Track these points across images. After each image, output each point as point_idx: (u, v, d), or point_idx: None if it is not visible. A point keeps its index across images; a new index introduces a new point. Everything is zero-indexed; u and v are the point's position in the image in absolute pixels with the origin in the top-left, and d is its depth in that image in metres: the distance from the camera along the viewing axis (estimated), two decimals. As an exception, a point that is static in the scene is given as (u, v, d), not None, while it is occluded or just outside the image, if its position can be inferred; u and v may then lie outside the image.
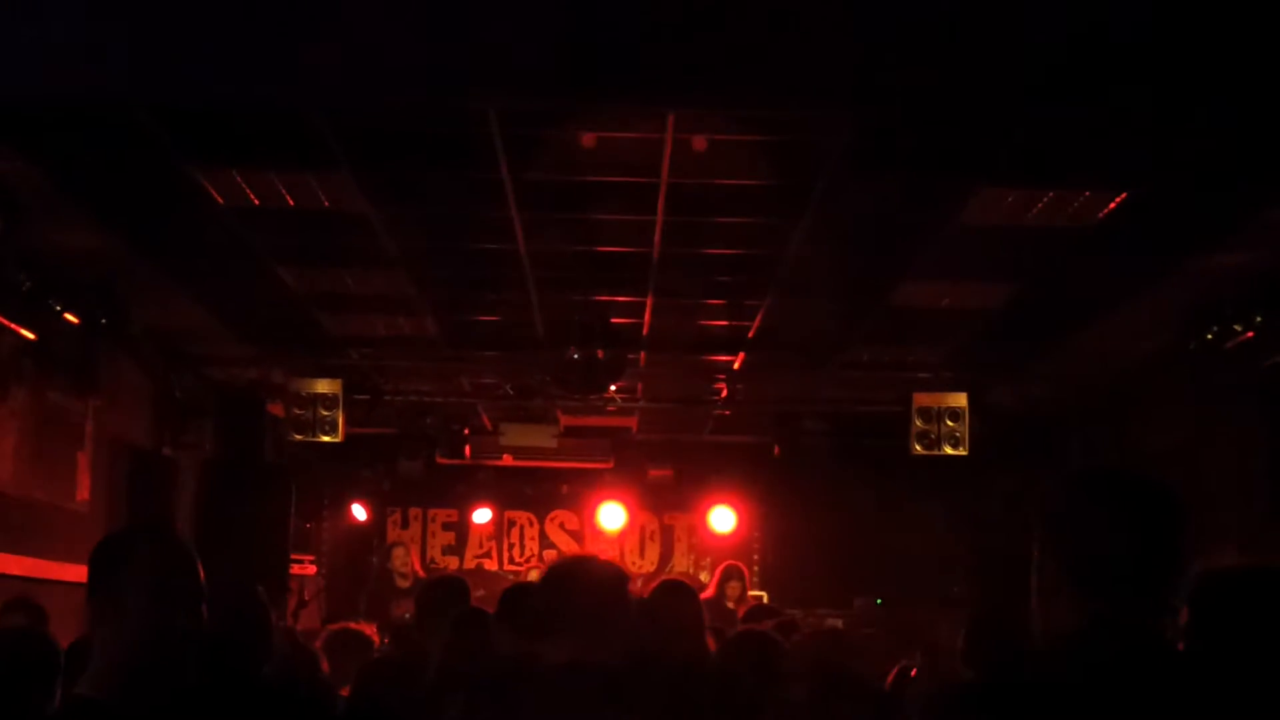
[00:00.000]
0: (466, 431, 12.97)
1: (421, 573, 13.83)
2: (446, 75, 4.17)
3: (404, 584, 13.02)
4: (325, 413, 10.91)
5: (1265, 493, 8.76)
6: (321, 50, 4.06)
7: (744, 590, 11.34)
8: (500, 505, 14.86)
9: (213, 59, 4.15)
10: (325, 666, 6.22)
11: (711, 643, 5.10)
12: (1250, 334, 8.36)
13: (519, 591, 5.77)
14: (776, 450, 12.96)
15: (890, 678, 7.51)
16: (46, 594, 8.12)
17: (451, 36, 4.07)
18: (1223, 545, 2.66)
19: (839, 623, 11.52)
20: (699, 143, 6.41)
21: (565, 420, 13.14)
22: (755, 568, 15.08)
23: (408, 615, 11.72)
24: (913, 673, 7.17)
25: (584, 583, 3.53)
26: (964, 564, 12.74)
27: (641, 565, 15.27)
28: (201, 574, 2.97)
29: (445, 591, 5.62)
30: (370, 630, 7.47)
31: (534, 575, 13.53)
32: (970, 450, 11.17)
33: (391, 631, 6.98)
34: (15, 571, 8.31)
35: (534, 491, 15.15)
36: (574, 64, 4.26)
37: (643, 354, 10.87)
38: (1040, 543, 2.51)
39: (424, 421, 12.55)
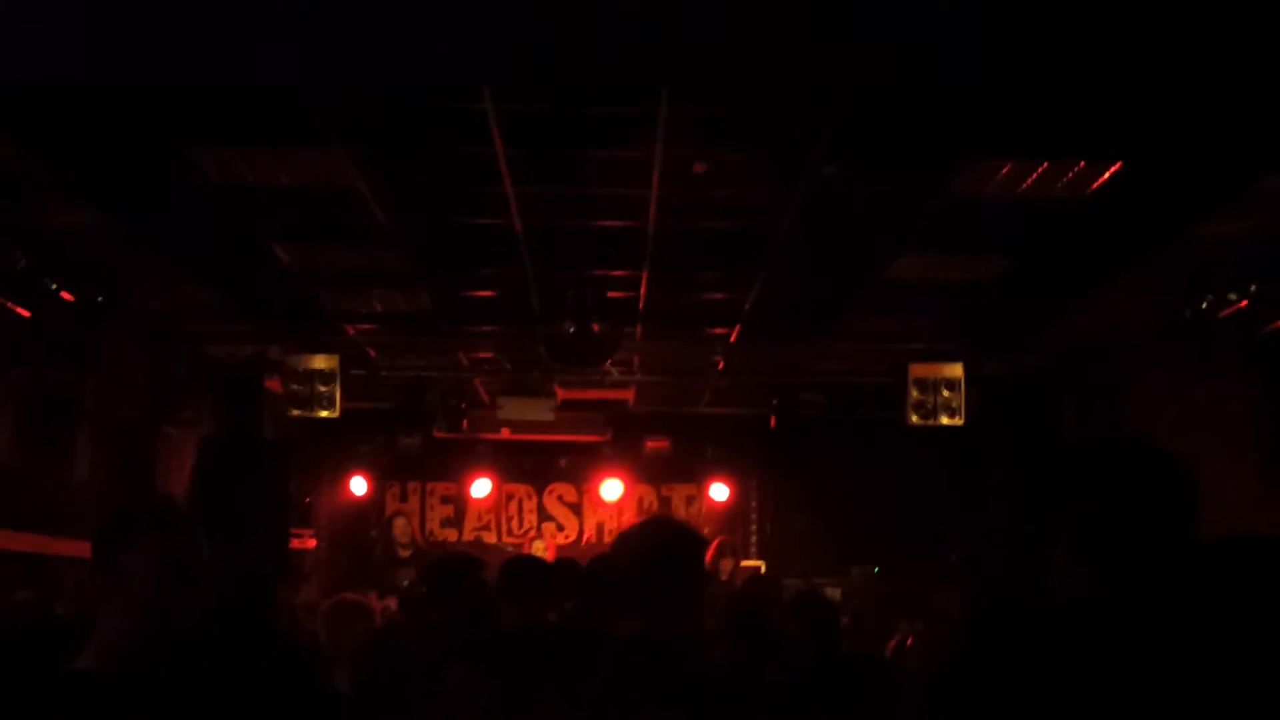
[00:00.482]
0: (464, 406, 12.99)
1: (422, 542, 13.89)
2: (440, 61, 4.17)
3: (405, 554, 13.11)
4: (323, 388, 10.95)
5: (1262, 462, 8.79)
6: (316, 33, 4.06)
7: (736, 565, 11.41)
8: (498, 478, 14.90)
9: (206, 41, 4.16)
10: (323, 639, 6.27)
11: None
12: (1244, 303, 8.38)
13: (521, 564, 5.84)
14: (773, 422, 13.00)
15: (890, 646, 7.57)
16: (46, 570, 8.17)
17: (443, 22, 4.08)
18: (1219, 515, 2.68)
19: (837, 592, 11.57)
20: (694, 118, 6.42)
21: (562, 394, 13.16)
22: (753, 538, 15.15)
23: (406, 582, 11.82)
24: (909, 641, 7.23)
25: (663, 551, 3.40)
26: (960, 533, 12.78)
27: (640, 537, 15.30)
28: (206, 551, 3.00)
29: (458, 568, 5.65)
30: (369, 599, 7.50)
31: (538, 547, 13.60)
32: (966, 420, 11.21)
33: (399, 600, 7.00)
34: (15, 548, 8.35)
35: (532, 464, 15.19)
36: (566, 45, 4.26)
37: (639, 327, 10.89)
38: (1054, 515, 2.53)
39: (421, 396, 12.57)
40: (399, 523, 13.53)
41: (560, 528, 15.39)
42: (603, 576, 3.56)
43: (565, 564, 6.99)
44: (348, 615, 6.45)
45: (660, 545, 3.41)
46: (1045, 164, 7.02)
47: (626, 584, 3.36)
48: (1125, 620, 2.40)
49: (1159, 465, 2.53)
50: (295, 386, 10.96)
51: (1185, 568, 2.47)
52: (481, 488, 14.70)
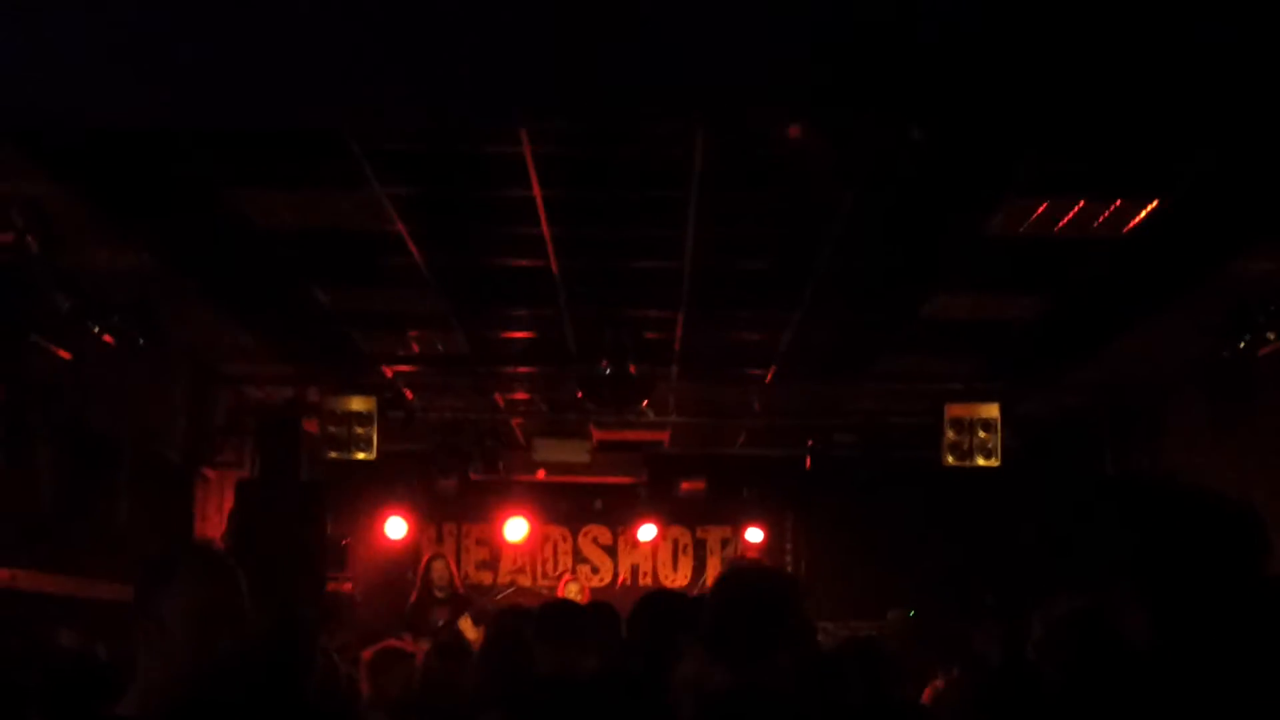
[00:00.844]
0: (500, 447, 13.01)
1: (459, 584, 13.88)
2: (472, 99, 4.22)
3: (441, 595, 13.09)
4: (360, 430, 10.98)
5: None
6: (354, 75, 4.11)
7: None
8: (534, 520, 14.89)
9: (250, 85, 4.21)
10: (366, 688, 6.28)
11: None
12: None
13: (557, 609, 5.81)
14: (808, 463, 12.96)
15: (927, 693, 7.50)
16: (88, 613, 8.20)
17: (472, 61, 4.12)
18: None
19: (873, 634, 11.49)
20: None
21: (598, 435, 13.17)
22: (788, 580, 15.05)
23: (442, 623, 11.79)
24: (939, 684, 7.16)
25: (755, 598, 3.34)
26: (997, 576, 12.69)
27: (674, 578, 15.29)
28: (245, 595, 3.00)
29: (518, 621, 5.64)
30: (410, 645, 7.50)
31: (572, 590, 13.57)
32: (1002, 461, 11.15)
33: (436, 645, 6.99)
34: (57, 590, 8.40)
35: (567, 506, 15.18)
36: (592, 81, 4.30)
37: (675, 368, 10.90)
38: (1104, 556, 2.52)
39: (457, 438, 12.59)
40: (437, 565, 13.51)
41: (595, 570, 15.36)
42: (700, 623, 3.48)
43: (601, 608, 6.95)
44: (390, 662, 6.46)
45: (764, 594, 3.37)
46: (1082, 202, 7.01)
47: (727, 632, 3.29)
48: (1182, 665, 2.38)
49: (1217, 506, 2.51)
50: (333, 429, 11.00)
51: (1247, 609, 2.45)
52: (516, 530, 14.68)
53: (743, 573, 3.56)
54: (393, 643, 6.96)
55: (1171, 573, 2.46)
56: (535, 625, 5.40)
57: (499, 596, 13.88)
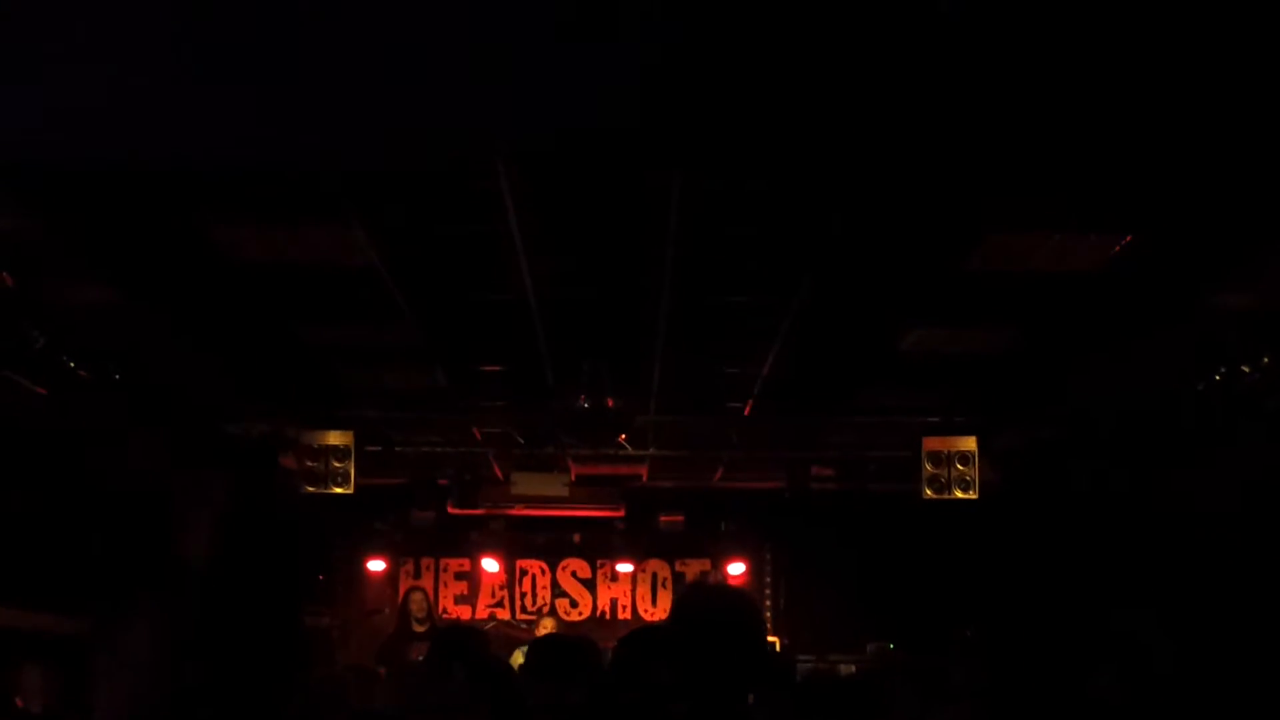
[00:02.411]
0: (478, 481, 12.98)
1: (438, 619, 13.82)
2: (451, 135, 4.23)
3: (420, 629, 13.03)
4: (337, 464, 10.96)
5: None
6: (330, 113, 4.12)
7: None
8: (512, 554, 14.84)
9: (224, 124, 4.21)
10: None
11: None
12: (1256, 375, 8.37)
13: (551, 642, 5.88)
14: (787, 496, 12.95)
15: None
16: (48, 647, 8.15)
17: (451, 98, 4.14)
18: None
19: (852, 668, 11.48)
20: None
21: (576, 469, 13.15)
22: (767, 613, 15.04)
23: (420, 657, 11.73)
24: None
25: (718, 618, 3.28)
26: (976, 608, 12.70)
27: (653, 612, 15.25)
28: (214, 627, 2.99)
29: (464, 637, 5.66)
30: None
31: (547, 624, 13.52)
32: (980, 494, 11.17)
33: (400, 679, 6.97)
34: (24, 626, 8.34)
35: (545, 540, 15.14)
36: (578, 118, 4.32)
37: (653, 402, 10.90)
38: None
39: (435, 472, 12.56)
40: (416, 598, 13.46)
41: (574, 604, 15.31)
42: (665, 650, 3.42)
43: (584, 641, 6.98)
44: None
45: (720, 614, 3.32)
46: (1056, 237, 7.05)
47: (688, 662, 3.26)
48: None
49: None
50: (310, 463, 10.97)
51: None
52: (493, 564, 14.65)
53: (699, 600, 3.51)
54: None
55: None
56: (527, 659, 5.49)
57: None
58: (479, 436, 12.35)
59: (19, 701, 8.14)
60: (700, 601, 3.43)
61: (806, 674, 6.72)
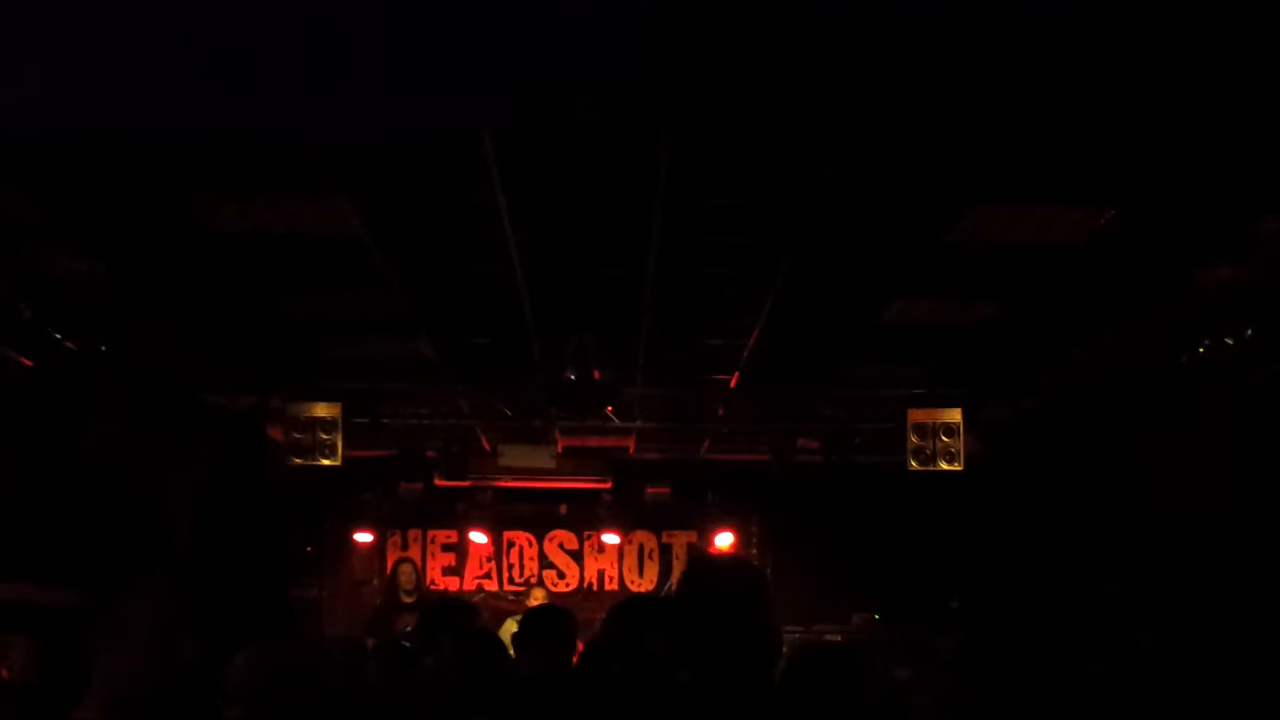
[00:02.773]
0: (465, 453, 12.99)
1: (426, 590, 13.85)
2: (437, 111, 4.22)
3: (408, 600, 13.06)
4: (324, 436, 10.96)
5: (1258, 506, 8.78)
6: (317, 87, 4.11)
7: None
8: (499, 526, 14.87)
9: (207, 94, 4.20)
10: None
11: None
12: (1240, 348, 8.41)
13: (543, 613, 5.94)
14: (773, 468, 12.99)
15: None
16: (43, 620, 8.16)
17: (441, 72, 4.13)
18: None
19: (838, 638, 11.53)
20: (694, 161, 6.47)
21: (563, 441, 13.17)
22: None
23: (409, 628, 11.77)
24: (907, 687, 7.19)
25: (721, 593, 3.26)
26: (961, 579, 12.76)
27: (640, 583, 15.30)
28: (208, 604, 3.00)
29: (453, 610, 5.71)
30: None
31: (537, 595, 13.57)
32: (965, 465, 11.21)
33: (387, 651, 6.98)
34: (10, 598, 8.35)
35: (533, 512, 15.17)
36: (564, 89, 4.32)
37: (639, 374, 10.91)
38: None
39: (423, 444, 12.56)
40: (405, 569, 13.48)
41: (561, 575, 15.35)
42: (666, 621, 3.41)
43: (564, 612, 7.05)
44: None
45: (729, 595, 3.27)
46: (1041, 209, 7.06)
47: (690, 633, 3.25)
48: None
49: None
50: (297, 435, 10.97)
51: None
52: (481, 535, 14.68)
53: (709, 571, 3.49)
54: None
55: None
56: (520, 630, 5.53)
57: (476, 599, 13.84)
58: (466, 409, 12.36)
59: (4, 673, 8.15)
60: (708, 572, 3.43)
61: (793, 644, 6.71)
